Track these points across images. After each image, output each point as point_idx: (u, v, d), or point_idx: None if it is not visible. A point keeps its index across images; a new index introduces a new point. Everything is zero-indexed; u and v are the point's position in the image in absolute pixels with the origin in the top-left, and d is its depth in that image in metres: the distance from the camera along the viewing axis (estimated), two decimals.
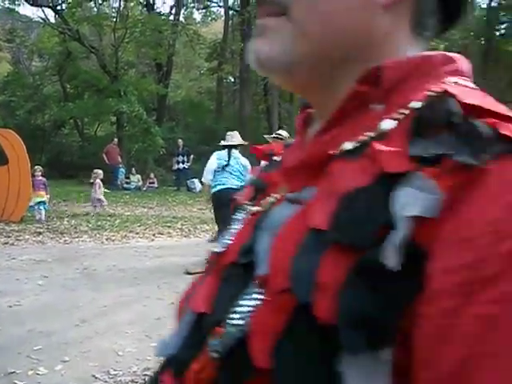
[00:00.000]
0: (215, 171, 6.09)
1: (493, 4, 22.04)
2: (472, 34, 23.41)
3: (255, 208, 0.57)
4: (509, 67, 21.68)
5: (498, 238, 0.35)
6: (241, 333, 0.44)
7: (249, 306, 0.45)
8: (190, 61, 28.35)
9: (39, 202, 9.34)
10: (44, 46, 21.90)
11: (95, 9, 21.57)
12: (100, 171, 12.38)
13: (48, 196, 9.52)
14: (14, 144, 9.29)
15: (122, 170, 17.17)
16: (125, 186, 16.56)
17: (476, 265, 0.35)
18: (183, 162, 16.55)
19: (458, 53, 0.52)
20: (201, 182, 16.03)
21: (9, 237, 8.00)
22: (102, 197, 11.54)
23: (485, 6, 23.25)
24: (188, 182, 16.46)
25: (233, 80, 28.07)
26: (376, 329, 0.37)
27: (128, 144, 18.69)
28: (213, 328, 0.47)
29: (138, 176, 16.98)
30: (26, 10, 67.87)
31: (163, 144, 17.58)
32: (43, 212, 9.40)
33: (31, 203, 9.26)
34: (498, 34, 21.81)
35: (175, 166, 16.69)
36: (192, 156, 16.68)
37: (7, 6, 20.12)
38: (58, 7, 18.11)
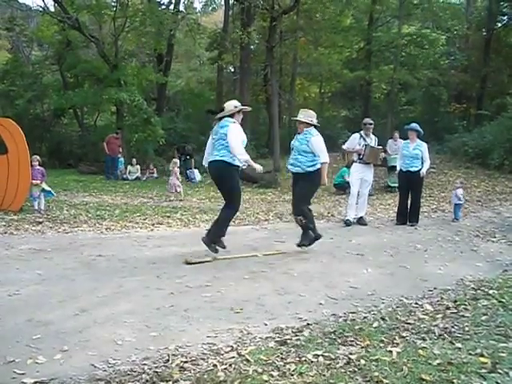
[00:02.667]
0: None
1: None
2: (474, 25, 23.34)
3: None
4: (510, 59, 21.59)
5: None
6: None
7: None
8: (190, 50, 28.28)
9: (42, 190, 9.32)
10: (43, 35, 21.81)
11: None
12: (177, 160, 13.59)
13: (43, 185, 9.43)
14: (14, 134, 9.26)
15: (122, 160, 17.16)
16: (124, 176, 16.56)
17: None
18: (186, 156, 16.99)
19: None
20: (201, 173, 16.14)
21: (8, 226, 8.00)
22: (179, 183, 12.51)
23: None
24: (188, 171, 16.48)
25: (233, 70, 28.00)
26: None
27: (128, 134, 18.66)
28: None
29: (138, 166, 16.96)
30: None
31: (163, 134, 17.54)
32: (43, 201, 9.39)
33: (32, 193, 9.24)
34: (499, 25, 21.70)
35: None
36: (193, 159, 16.84)
37: None
38: None
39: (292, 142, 6.87)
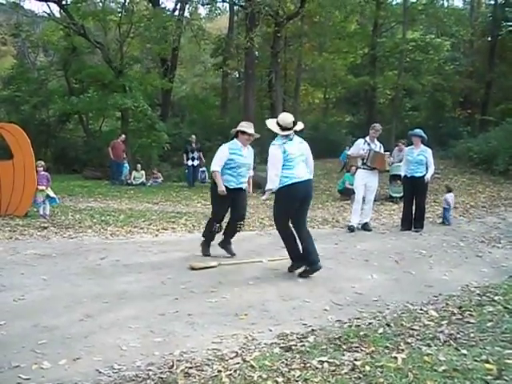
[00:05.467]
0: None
1: (499, 1, 21.92)
2: (478, 30, 23.33)
3: None
4: None
5: None
6: None
7: None
8: (194, 56, 28.37)
9: (47, 197, 9.35)
10: (49, 41, 21.95)
11: (100, 4, 21.60)
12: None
13: (48, 190, 9.45)
14: (19, 139, 9.30)
15: (127, 165, 17.20)
16: (129, 181, 16.59)
17: None
18: (198, 159, 16.20)
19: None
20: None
21: (13, 231, 8.03)
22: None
23: (492, 2, 23.17)
24: (200, 172, 16.48)
25: (238, 75, 28.08)
26: None
27: (133, 139, 18.73)
28: None
29: (143, 172, 17.00)
30: (32, 4, 67.92)
31: (168, 139, 17.59)
32: (48, 207, 9.42)
33: (36, 199, 9.26)
34: (504, 30, 21.67)
35: (188, 162, 16.14)
36: (201, 153, 16.34)
37: (12, 0, 20.09)
38: (63, 2, 18.04)
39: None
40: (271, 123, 5.73)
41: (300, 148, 5.70)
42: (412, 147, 8.99)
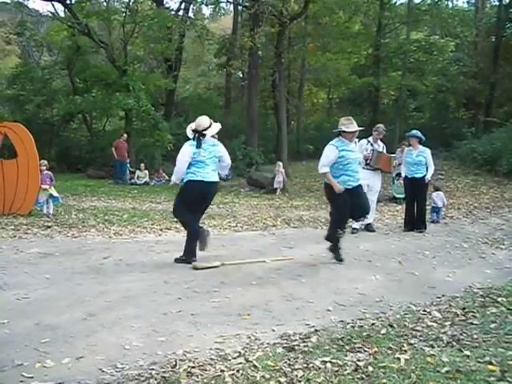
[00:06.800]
0: None
1: (504, 2, 21.87)
2: (482, 31, 23.29)
3: None
4: None
5: None
6: None
7: None
8: (198, 56, 28.41)
9: (50, 196, 9.36)
10: (53, 40, 21.97)
11: (104, 3, 21.65)
12: (281, 163, 15.65)
13: (51, 189, 9.46)
14: (23, 138, 9.33)
15: (128, 164, 17.23)
16: (132, 180, 16.61)
17: None
18: None
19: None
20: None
21: (17, 230, 8.05)
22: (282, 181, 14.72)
23: (496, 3, 23.13)
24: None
25: (241, 75, 28.09)
26: None
27: (136, 139, 18.74)
28: None
29: (146, 171, 17.01)
30: (36, 3, 68.06)
31: (171, 139, 17.61)
32: (51, 206, 9.44)
33: (39, 199, 9.28)
34: (508, 31, 21.64)
35: None
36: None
37: (17, 0, 20.15)
38: (68, 1, 18.10)
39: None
40: (188, 128, 6.24)
41: (211, 150, 6.10)
42: (410, 148, 8.98)
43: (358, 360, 3.31)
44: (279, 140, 19.37)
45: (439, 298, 4.92)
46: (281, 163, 15.49)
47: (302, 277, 5.61)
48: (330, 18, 21.92)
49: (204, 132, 6.09)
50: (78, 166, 19.95)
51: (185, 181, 6.14)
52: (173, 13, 22.10)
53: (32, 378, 3.09)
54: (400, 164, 11.53)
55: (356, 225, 8.66)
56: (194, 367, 3.26)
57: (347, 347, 3.57)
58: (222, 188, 12.71)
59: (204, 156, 6.03)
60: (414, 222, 8.81)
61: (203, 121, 6.16)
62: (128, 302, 4.59)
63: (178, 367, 3.26)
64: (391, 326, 4.03)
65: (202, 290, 5.00)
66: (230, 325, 4.08)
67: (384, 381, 3.00)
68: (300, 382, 3.04)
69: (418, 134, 8.87)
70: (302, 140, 23.09)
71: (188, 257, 6.12)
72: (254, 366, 3.25)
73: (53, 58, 25.83)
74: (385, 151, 8.91)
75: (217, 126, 6.27)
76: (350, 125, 6.27)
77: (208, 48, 24.55)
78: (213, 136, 6.27)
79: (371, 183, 8.67)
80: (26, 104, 21.11)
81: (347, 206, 6.11)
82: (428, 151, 8.80)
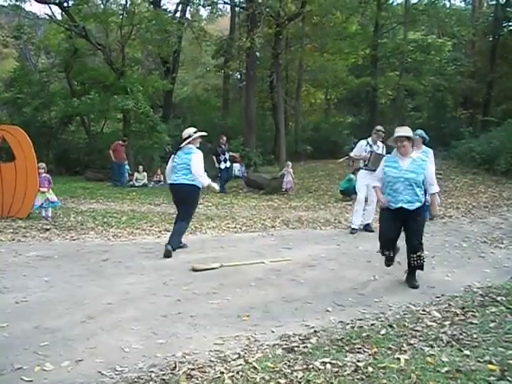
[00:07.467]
0: None
1: (500, 1, 21.91)
2: (479, 31, 23.33)
3: None
4: None
5: None
6: None
7: None
8: (196, 58, 28.37)
9: (47, 201, 9.34)
10: (50, 43, 21.96)
11: (101, 6, 21.63)
12: (290, 163, 15.54)
13: (50, 192, 9.45)
14: (21, 141, 9.31)
15: (128, 167, 17.22)
16: (131, 182, 16.60)
17: None
18: (229, 161, 15.34)
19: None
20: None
21: (16, 233, 8.04)
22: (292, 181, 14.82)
23: (493, 2, 23.16)
24: (237, 170, 16.51)
25: (239, 77, 28.10)
26: None
27: (134, 141, 18.72)
28: None
29: (145, 173, 17.00)
30: (33, 6, 67.99)
31: (169, 141, 17.60)
32: (50, 210, 9.43)
33: (37, 202, 9.26)
34: (505, 31, 21.68)
35: (221, 165, 14.98)
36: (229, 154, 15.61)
37: (14, 2, 20.12)
38: (65, 4, 18.09)
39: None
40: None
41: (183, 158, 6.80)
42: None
43: (358, 361, 3.31)
44: (277, 141, 19.38)
45: (438, 297, 4.92)
46: (290, 163, 15.40)
47: (300, 278, 5.61)
48: (327, 18, 21.92)
49: (185, 141, 6.90)
50: (77, 168, 19.93)
51: None
52: (170, 15, 22.10)
53: (31, 381, 3.09)
54: None
55: (355, 226, 8.66)
56: (193, 369, 3.26)
57: (347, 348, 3.57)
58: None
59: (176, 161, 6.84)
60: None
61: (185, 132, 7.05)
62: (127, 305, 4.59)
63: (177, 369, 3.26)
64: (391, 326, 4.04)
65: (201, 292, 5.00)
66: (229, 326, 4.08)
67: (384, 381, 3.00)
68: (300, 383, 3.04)
69: (423, 134, 8.83)
70: (300, 140, 23.09)
71: (174, 245, 6.68)
72: (254, 368, 3.25)
73: (50, 60, 25.81)
74: (384, 152, 8.90)
75: (195, 135, 6.96)
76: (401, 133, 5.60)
77: (206, 49, 24.52)
78: (200, 143, 7.14)
79: (371, 183, 8.65)
80: (24, 107, 21.06)
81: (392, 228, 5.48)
82: (431, 152, 8.76)
